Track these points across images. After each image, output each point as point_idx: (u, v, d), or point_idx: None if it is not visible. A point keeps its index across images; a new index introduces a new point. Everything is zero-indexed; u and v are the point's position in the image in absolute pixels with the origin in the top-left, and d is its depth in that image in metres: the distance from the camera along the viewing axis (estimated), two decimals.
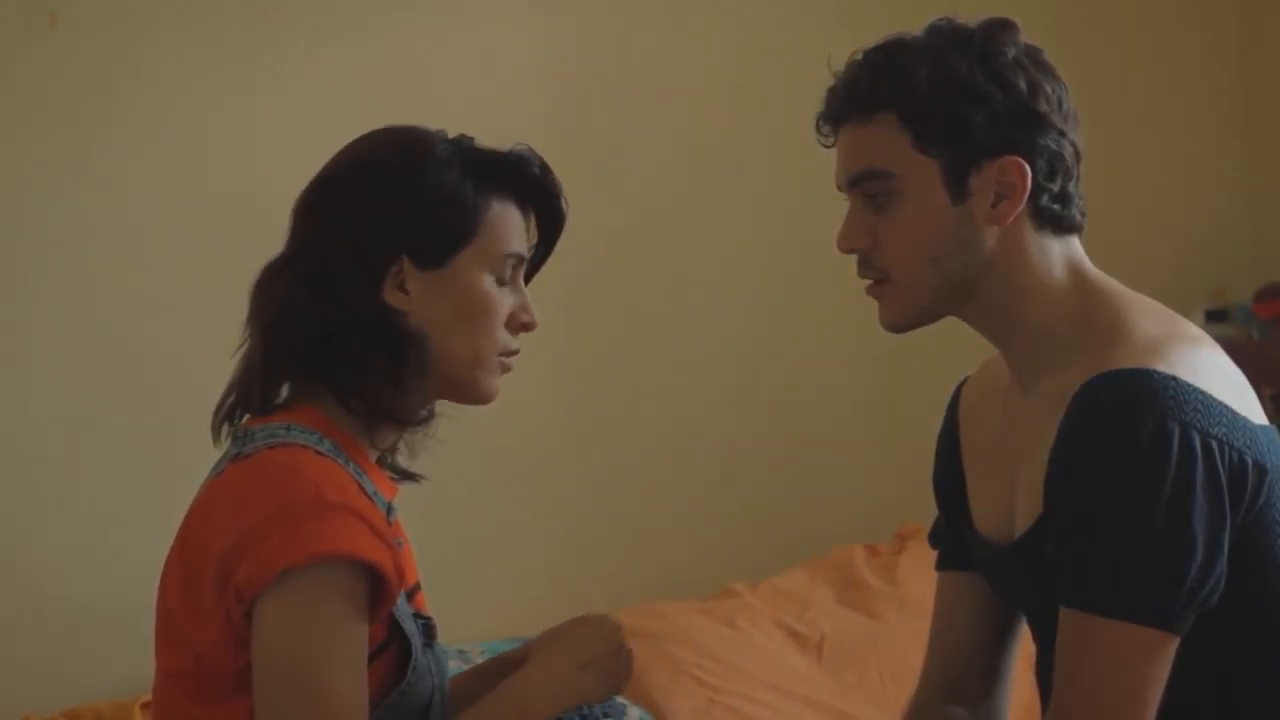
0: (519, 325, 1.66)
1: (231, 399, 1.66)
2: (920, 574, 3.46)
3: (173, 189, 2.97)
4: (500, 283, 1.64)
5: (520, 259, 1.66)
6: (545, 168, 1.69)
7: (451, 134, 1.67)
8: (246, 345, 1.67)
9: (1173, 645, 1.53)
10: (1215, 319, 3.86)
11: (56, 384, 2.87)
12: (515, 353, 1.66)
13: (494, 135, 3.41)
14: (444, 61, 3.25)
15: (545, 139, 3.26)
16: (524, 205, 1.67)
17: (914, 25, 1.68)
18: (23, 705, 2.76)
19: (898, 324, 1.68)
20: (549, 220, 1.70)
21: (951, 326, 1.73)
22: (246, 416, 1.65)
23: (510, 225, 1.65)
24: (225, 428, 1.66)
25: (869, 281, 1.68)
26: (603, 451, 3.43)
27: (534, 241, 1.70)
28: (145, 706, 2.71)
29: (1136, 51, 4.01)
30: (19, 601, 2.83)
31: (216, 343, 2.94)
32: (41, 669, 2.83)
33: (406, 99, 3.20)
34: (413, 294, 1.61)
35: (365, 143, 1.68)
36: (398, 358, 1.60)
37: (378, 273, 1.60)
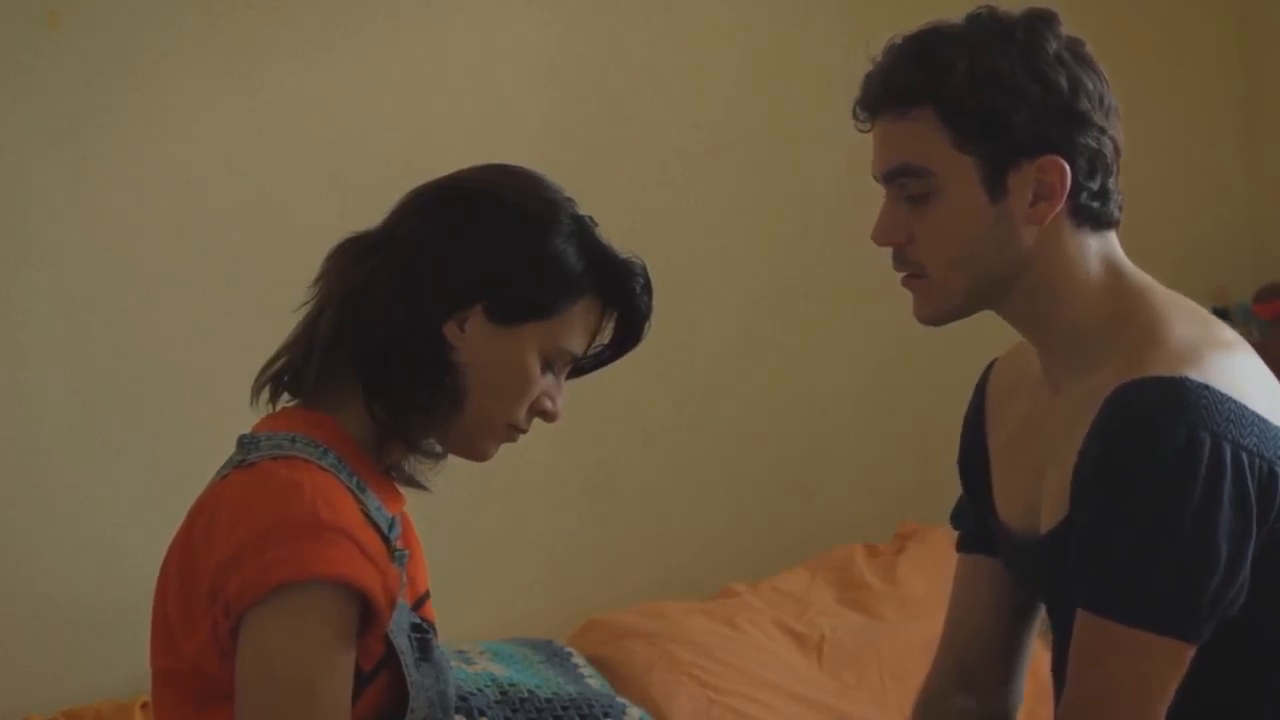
0: (539, 410, 1.66)
1: (281, 363, 1.65)
2: (920, 574, 3.47)
3: (173, 188, 2.97)
4: (545, 367, 1.64)
5: (573, 358, 1.66)
6: (648, 288, 1.68)
7: (579, 210, 1.66)
8: (312, 308, 1.65)
9: (1189, 654, 1.52)
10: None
11: (56, 384, 2.87)
12: (523, 432, 1.66)
13: (494, 135, 3.42)
14: (444, 62, 3.25)
15: (545, 139, 3.30)
16: (608, 309, 1.67)
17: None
18: (23, 705, 2.76)
19: (932, 319, 1.66)
20: (626, 335, 1.70)
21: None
22: (285, 395, 1.65)
23: (584, 325, 1.65)
24: (266, 392, 1.65)
25: (903, 274, 1.66)
26: (603, 451, 3.43)
27: (601, 343, 1.69)
28: (145, 706, 2.71)
29: (1136, 51, 4.01)
30: (19, 601, 2.83)
31: (217, 342, 2.97)
32: (41, 669, 2.83)
33: (407, 99, 3.20)
34: (468, 336, 1.61)
35: (509, 180, 1.67)
36: (438, 387, 1.60)
37: (455, 305, 1.61)
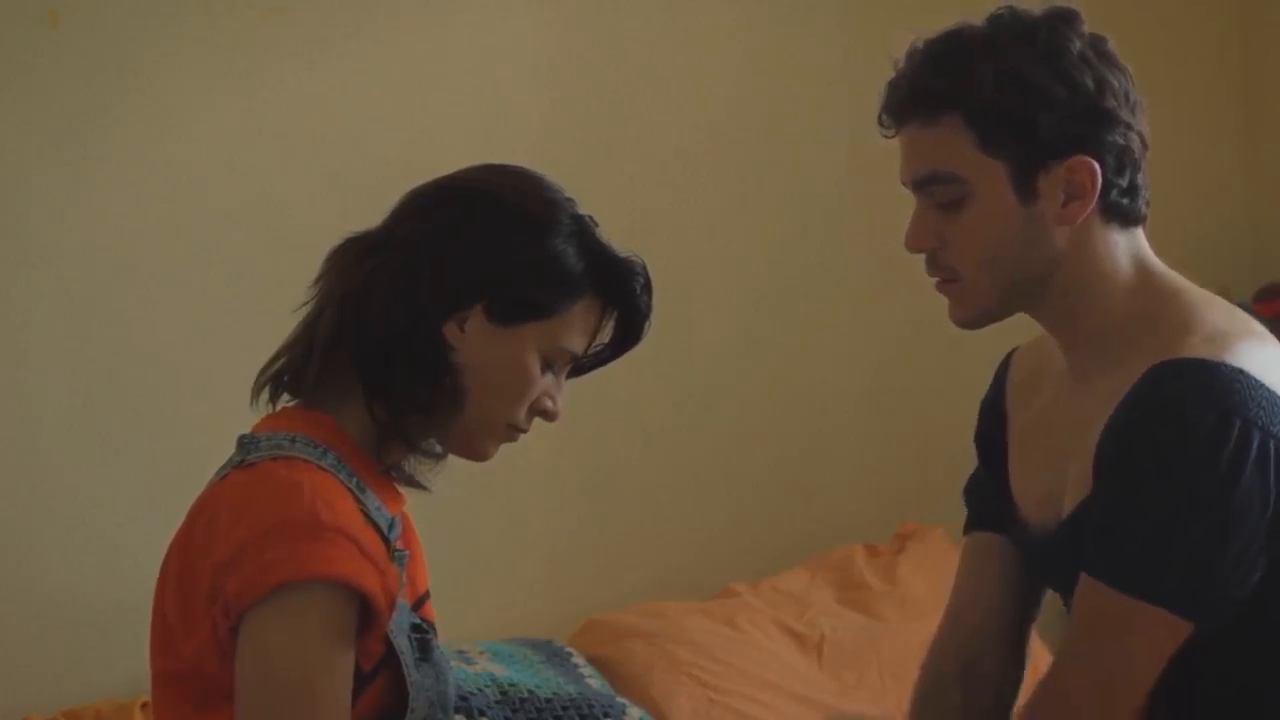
0: (540, 410, 1.66)
1: (281, 363, 1.65)
2: (920, 574, 3.47)
3: (173, 188, 2.97)
4: (545, 367, 1.64)
5: (573, 358, 1.66)
6: (648, 287, 1.68)
7: (579, 209, 1.66)
8: (312, 308, 1.66)
9: (1187, 631, 1.53)
10: None
11: (56, 384, 2.87)
12: (523, 431, 1.66)
13: (494, 135, 3.41)
14: (444, 62, 3.25)
15: (545, 139, 3.30)
16: (608, 309, 1.67)
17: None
18: (23, 705, 2.76)
19: (967, 322, 1.68)
20: (626, 334, 1.70)
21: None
22: (285, 395, 1.65)
23: (584, 324, 1.65)
24: (266, 392, 1.65)
25: (936, 279, 1.66)
26: (603, 451, 3.43)
27: (601, 342, 1.69)
28: (145, 706, 2.71)
29: (1137, 51, 4.00)
30: (19, 601, 2.83)
31: (217, 342, 2.97)
32: (41, 669, 2.83)
33: (407, 99, 3.20)
34: (467, 336, 1.61)
35: (509, 180, 1.67)
36: (438, 387, 1.60)
37: (455, 305, 1.61)
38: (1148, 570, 1.52)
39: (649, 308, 1.69)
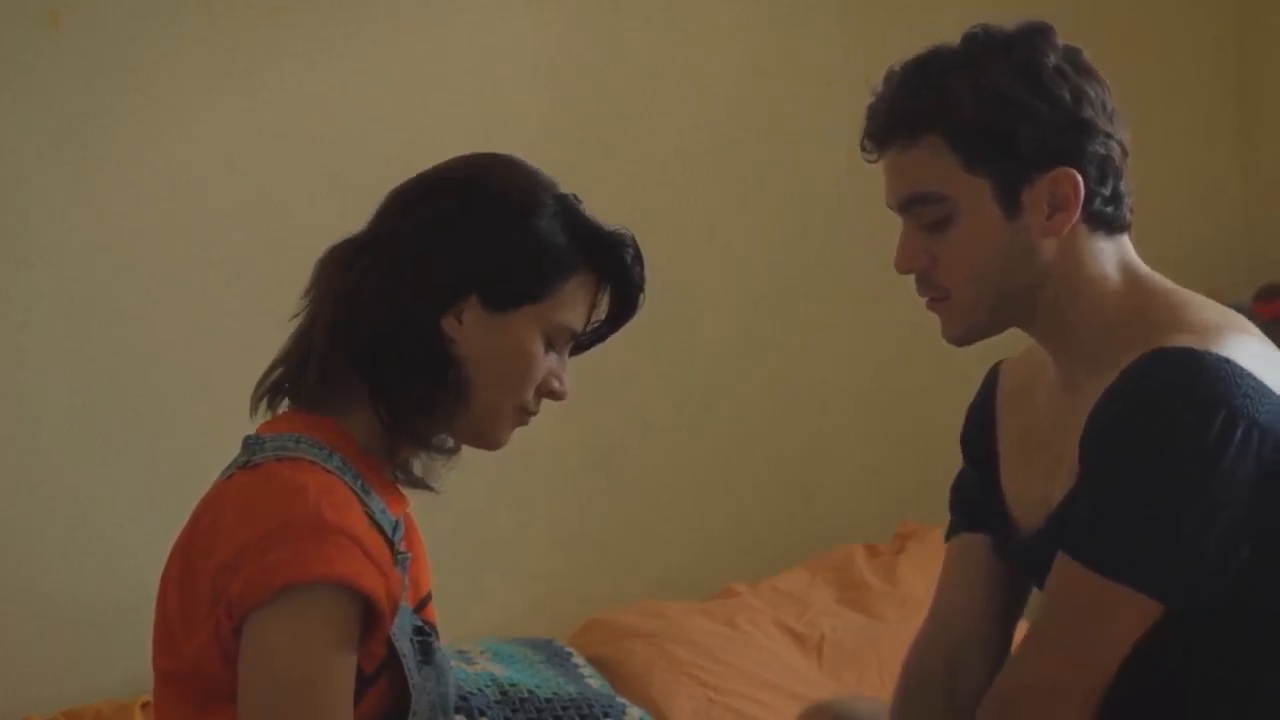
0: (548, 391, 1.66)
1: (278, 374, 1.65)
2: (920, 574, 3.47)
3: (173, 188, 2.97)
4: (548, 347, 1.64)
5: (574, 335, 1.66)
6: (638, 257, 1.68)
7: (561, 189, 1.67)
8: (304, 316, 1.66)
9: (1158, 612, 1.55)
10: None
11: (56, 384, 2.87)
12: (533, 414, 1.66)
13: (494, 135, 3.41)
14: (444, 62, 3.25)
15: (545, 139, 3.30)
16: (602, 283, 1.67)
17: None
18: (23, 705, 2.76)
19: (959, 338, 1.69)
20: (622, 306, 1.70)
21: None
22: (286, 401, 1.65)
23: (580, 300, 1.65)
24: (265, 402, 1.65)
25: (927, 298, 1.68)
26: (603, 451, 3.43)
27: (600, 318, 1.69)
28: (145, 706, 2.71)
29: (1133, 53, 4.01)
30: (19, 601, 2.83)
31: (217, 342, 2.98)
32: (41, 669, 2.83)
33: (407, 99, 3.20)
34: (466, 327, 1.61)
35: (486, 168, 1.67)
36: (440, 384, 1.60)
37: (451, 299, 1.61)
38: (1134, 557, 1.53)
39: (642, 278, 1.69)
